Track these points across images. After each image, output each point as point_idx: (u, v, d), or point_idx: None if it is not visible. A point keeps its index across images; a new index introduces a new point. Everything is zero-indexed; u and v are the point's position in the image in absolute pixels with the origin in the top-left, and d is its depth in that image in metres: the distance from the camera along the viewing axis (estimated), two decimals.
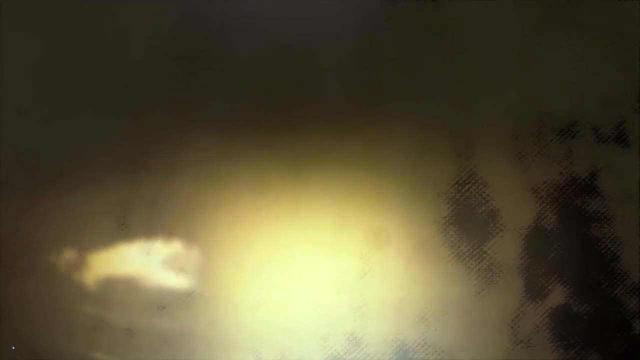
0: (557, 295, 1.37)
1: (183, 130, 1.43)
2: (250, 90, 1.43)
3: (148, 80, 1.45)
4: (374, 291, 1.37)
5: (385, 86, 1.41)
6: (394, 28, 1.43)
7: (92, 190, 1.40)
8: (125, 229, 1.39)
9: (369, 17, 1.44)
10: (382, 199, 1.39)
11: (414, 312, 1.37)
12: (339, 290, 1.37)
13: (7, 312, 1.39)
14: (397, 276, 1.37)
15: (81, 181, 1.41)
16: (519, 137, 1.40)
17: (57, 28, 1.48)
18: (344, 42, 1.37)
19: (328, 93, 1.37)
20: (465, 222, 1.37)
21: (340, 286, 1.37)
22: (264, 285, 1.36)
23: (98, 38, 1.47)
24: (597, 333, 1.36)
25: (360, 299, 1.36)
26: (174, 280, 1.38)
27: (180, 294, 1.37)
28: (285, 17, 1.42)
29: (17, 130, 1.44)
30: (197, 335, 1.35)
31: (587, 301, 1.36)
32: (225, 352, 1.35)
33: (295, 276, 1.36)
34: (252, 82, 1.43)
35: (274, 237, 1.37)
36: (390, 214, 1.38)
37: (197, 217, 1.38)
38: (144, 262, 1.38)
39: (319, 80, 1.38)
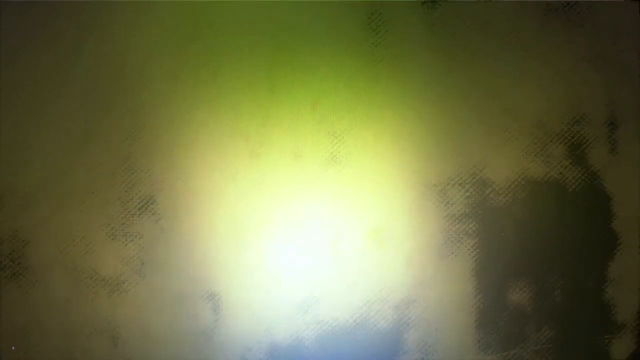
0: (556, 296, 1.37)
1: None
2: None
3: None
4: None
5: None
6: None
7: None
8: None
9: None
10: (381, 195, 1.39)
11: (414, 312, 1.37)
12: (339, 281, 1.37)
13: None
14: (397, 276, 1.37)
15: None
16: (519, 137, 1.40)
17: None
18: None
19: None
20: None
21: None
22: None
23: None
24: (595, 335, 1.36)
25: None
26: None
27: None
28: None
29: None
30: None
31: (586, 302, 1.37)
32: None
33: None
34: None
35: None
36: (391, 210, 1.39)
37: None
38: None
39: None
